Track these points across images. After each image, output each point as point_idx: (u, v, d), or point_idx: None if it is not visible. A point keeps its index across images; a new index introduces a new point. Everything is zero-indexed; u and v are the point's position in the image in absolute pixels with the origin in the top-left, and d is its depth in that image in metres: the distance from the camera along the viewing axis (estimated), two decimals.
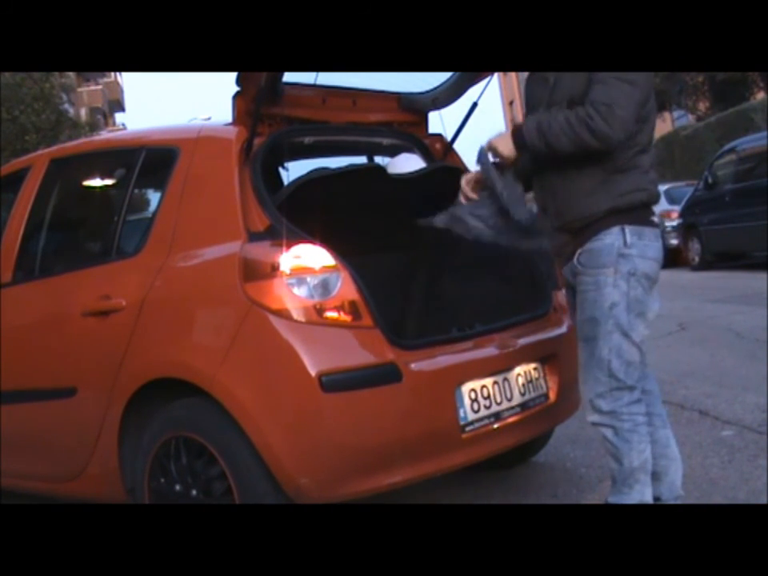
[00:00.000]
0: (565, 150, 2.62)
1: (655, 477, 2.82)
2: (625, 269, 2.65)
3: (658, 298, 2.78)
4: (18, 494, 3.68)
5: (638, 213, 2.69)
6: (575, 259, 2.72)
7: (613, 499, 2.75)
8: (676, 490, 2.86)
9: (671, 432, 2.92)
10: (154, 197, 3.33)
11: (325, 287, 2.70)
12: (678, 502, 2.85)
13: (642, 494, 2.70)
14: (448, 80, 3.54)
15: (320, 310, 2.67)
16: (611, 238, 2.66)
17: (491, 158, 2.79)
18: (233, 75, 2.91)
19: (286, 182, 3.37)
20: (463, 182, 2.90)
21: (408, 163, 3.48)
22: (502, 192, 2.75)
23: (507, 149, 2.73)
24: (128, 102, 65.45)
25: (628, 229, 2.65)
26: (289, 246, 2.71)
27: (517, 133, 2.70)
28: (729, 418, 4.20)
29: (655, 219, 2.79)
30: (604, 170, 2.66)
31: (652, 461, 2.79)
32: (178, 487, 2.85)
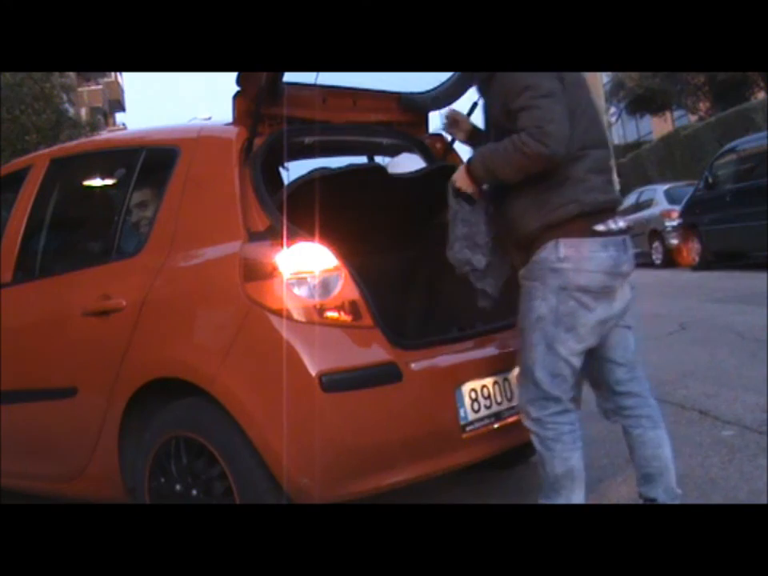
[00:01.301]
0: (514, 179, 2.66)
1: (649, 479, 2.83)
2: (555, 283, 2.64)
3: (619, 301, 2.73)
4: (18, 493, 3.68)
5: (576, 225, 2.64)
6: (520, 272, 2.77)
7: (542, 501, 2.78)
8: (672, 492, 2.84)
9: (665, 433, 2.89)
10: (154, 197, 3.33)
11: (325, 287, 2.70)
12: (677, 501, 2.84)
13: (568, 498, 2.72)
14: (448, 80, 3.54)
15: (320, 310, 2.67)
16: (546, 252, 2.66)
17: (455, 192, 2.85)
18: (233, 75, 2.91)
19: (286, 182, 3.37)
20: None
21: (408, 163, 3.48)
22: (451, 245, 2.85)
23: (466, 184, 2.80)
24: (128, 101, 65.38)
25: (562, 242, 2.64)
26: (289, 246, 2.71)
27: (469, 169, 2.76)
28: (729, 417, 4.20)
29: (602, 227, 2.65)
30: (534, 187, 2.66)
31: (644, 462, 2.82)
32: (178, 487, 2.85)
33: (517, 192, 2.70)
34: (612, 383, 2.85)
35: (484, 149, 2.76)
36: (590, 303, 2.65)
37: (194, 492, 2.80)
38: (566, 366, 2.69)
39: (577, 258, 2.63)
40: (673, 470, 2.86)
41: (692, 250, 13.09)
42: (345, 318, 2.70)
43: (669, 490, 2.83)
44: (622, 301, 2.75)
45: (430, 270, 3.86)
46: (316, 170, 3.14)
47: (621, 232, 2.72)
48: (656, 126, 30.56)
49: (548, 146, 2.53)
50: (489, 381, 2.97)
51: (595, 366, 2.85)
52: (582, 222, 2.64)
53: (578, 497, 2.73)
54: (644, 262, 15.45)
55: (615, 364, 2.84)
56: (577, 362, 2.72)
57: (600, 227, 2.66)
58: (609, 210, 2.71)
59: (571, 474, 2.71)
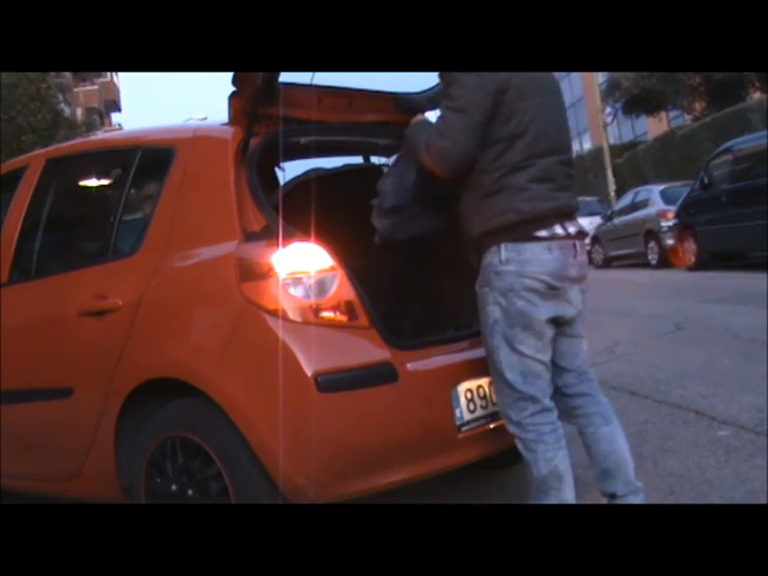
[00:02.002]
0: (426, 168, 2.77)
1: (607, 474, 2.83)
2: (502, 286, 2.67)
3: (572, 304, 2.74)
4: (17, 494, 3.67)
5: (518, 230, 2.66)
6: None
7: (533, 503, 2.77)
8: (631, 484, 2.84)
9: (619, 428, 2.89)
10: (150, 197, 3.33)
11: (321, 287, 2.70)
12: (639, 495, 2.83)
13: (558, 498, 2.71)
14: None
15: (316, 310, 2.67)
16: (490, 257, 2.70)
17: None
18: (229, 75, 2.91)
19: (282, 182, 3.37)
20: None
21: None
22: (385, 177, 2.94)
23: None
24: (124, 102, 65.31)
25: (504, 246, 2.66)
26: (285, 246, 2.71)
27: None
28: (725, 418, 4.21)
29: (545, 233, 2.64)
30: (475, 195, 2.71)
31: (600, 459, 2.83)
32: (174, 487, 2.84)
33: (464, 195, 2.75)
34: (561, 387, 2.88)
35: (423, 123, 2.89)
36: (538, 302, 2.67)
37: (190, 492, 2.80)
38: (534, 363, 2.71)
39: (519, 260, 2.65)
40: (631, 463, 2.86)
41: (688, 251, 13.11)
42: (341, 318, 2.70)
43: (628, 483, 2.83)
44: (576, 304, 2.77)
45: (426, 270, 3.86)
46: (312, 170, 3.14)
47: (570, 236, 2.72)
48: (652, 126, 30.58)
49: (432, 159, 2.68)
50: (485, 381, 2.97)
51: None
52: (523, 228, 2.66)
53: (567, 496, 2.72)
54: (640, 262, 15.52)
55: (564, 370, 2.87)
56: (544, 357, 2.73)
57: (543, 233, 2.67)
58: (555, 217, 2.70)
59: (557, 474, 2.70)
